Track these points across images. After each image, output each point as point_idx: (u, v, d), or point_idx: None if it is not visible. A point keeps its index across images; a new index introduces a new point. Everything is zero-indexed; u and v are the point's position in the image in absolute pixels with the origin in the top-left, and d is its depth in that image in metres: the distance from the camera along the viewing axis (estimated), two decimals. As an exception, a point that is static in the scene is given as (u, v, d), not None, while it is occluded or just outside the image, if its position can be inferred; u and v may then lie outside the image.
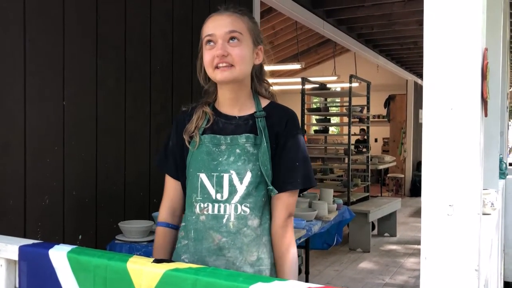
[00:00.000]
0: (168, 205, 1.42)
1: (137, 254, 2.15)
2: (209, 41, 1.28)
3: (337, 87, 10.21)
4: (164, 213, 1.42)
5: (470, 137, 0.75)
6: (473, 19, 0.73)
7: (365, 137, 7.51)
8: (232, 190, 1.27)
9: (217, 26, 1.28)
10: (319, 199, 3.55)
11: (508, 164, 4.55)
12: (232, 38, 1.27)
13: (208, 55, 1.28)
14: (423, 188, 0.78)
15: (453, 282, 0.74)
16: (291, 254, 1.31)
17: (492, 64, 2.29)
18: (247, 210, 1.27)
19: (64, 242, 1.99)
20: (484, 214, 2.07)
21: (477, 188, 0.75)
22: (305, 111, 6.50)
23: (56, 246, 1.21)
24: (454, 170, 0.76)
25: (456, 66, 0.75)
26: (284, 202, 1.31)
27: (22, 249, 1.21)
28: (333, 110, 8.43)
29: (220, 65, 1.26)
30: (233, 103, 1.35)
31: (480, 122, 0.75)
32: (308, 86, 6.66)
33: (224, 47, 1.26)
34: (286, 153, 1.31)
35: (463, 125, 0.75)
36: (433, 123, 0.77)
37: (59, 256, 1.17)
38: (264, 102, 1.37)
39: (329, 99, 7.66)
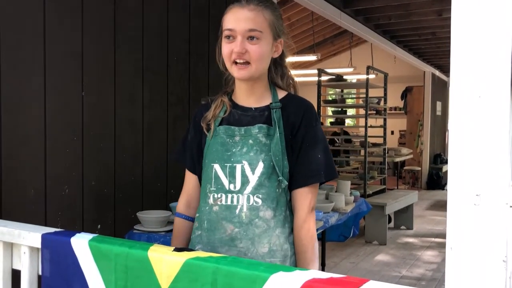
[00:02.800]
0: (184, 197, 1.46)
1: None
2: (228, 35, 1.28)
3: (353, 78, 10.12)
4: (180, 204, 1.46)
5: (499, 125, 0.73)
6: (503, 3, 0.71)
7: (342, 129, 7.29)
8: (245, 181, 1.27)
9: (238, 21, 1.26)
10: (336, 191, 3.53)
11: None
12: (251, 36, 1.26)
13: (227, 49, 1.28)
14: (449, 178, 0.77)
15: (480, 272, 0.73)
16: (314, 248, 1.31)
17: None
18: (259, 201, 1.27)
19: (83, 231, 2.01)
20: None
21: (506, 178, 0.74)
22: (321, 102, 6.46)
23: (77, 234, 1.22)
24: (482, 159, 0.74)
25: (484, 52, 0.74)
26: (307, 196, 1.31)
27: (44, 237, 1.23)
28: (349, 102, 8.37)
29: (238, 61, 1.26)
30: (249, 95, 1.36)
31: (509, 111, 0.73)
32: (324, 78, 6.61)
33: (243, 45, 1.25)
34: (306, 145, 1.30)
35: (492, 113, 0.74)
36: (460, 111, 0.75)
37: (81, 244, 1.18)
38: (281, 94, 1.37)
39: (345, 91, 7.59)
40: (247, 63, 1.27)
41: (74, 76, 2.20)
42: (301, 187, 1.30)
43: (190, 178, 1.44)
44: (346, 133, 7.72)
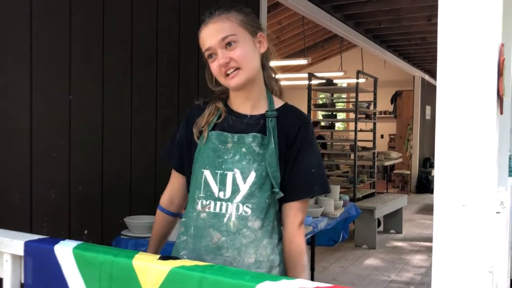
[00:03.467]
0: (169, 192, 1.48)
1: (142, 250, 2.14)
2: (209, 54, 1.28)
3: (343, 83, 10.15)
4: (164, 199, 1.48)
5: (486, 135, 0.73)
6: (491, 12, 0.71)
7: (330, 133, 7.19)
8: (235, 189, 1.25)
9: (210, 37, 1.26)
10: (325, 196, 3.53)
11: (516, 162, 4.50)
12: (228, 43, 1.25)
13: (214, 66, 1.27)
14: (436, 187, 0.76)
15: (466, 284, 0.73)
16: (303, 262, 1.30)
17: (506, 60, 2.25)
18: (249, 210, 1.25)
19: (70, 237, 1.99)
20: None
21: (492, 188, 0.73)
22: (312, 106, 6.48)
23: (61, 242, 1.20)
24: (469, 169, 0.74)
25: (471, 61, 0.73)
26: (298, 210, 1.29)
27: (27, 245, 1.21)
28: (340, 106, 8.39)
29: (228, 72, 1.25)
30: (245, 101, 1.34)
31: (496, 120, 0.73)
32: (314, 82, 6.62)
33: (225, 55, 1.24)
34: (301, 159, 1.28)
35: (479, 123, 0.73)
36: (447, 120, 0.75)
37: (65, 251, 1.16)
38: (278, 103, 1.35)
39: (335, 95, 7.62)
40: (238, 69, 1.25)
41: (61, 79, 2.17)
42: (293, 201, 1.29)
43: (176, 177, 1.44)
44: (321, 137, 7.75)
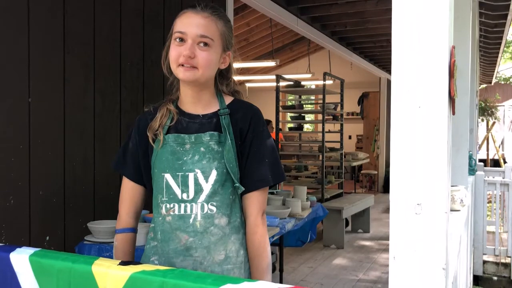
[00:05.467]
0: (132, 209, 1.38)
1: (106, 255, 2.10)
2: (179, 38, 1.26)
3: (311, 84, 10.26)
4: (128, 218, 1.38)
5: (438, 135, 0.75)
6: (440, 17, 0.73)
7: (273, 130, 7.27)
8: (198, 189, 1.26)
9: (190, 25, 1.25)
10: (293, 197, 3.55)
11: (477, 161, 4.66)
12: (202, 42, 1.25)
13: (175, 52, 1.26)
14: (392, 187, 0.77)
15: (421, 281, 0.74)
16: (266, 252, 1.31)
17: (461, 62, 2.34)
18: (214, 208, 1.26)
19: (31, 244, 1.93)
20: (453, 210, 2.10)
21: (445, 186, 0.75)
22: (280, 108, 6.51)
23: (17, 249, 1.16)
24: (422, 168, 0.75)
25: (423, 64, 0.75)
26: (257, 200, 1.31)
27: (-19, 253, 1.16)
28: (308, 107, 8.47)
29: (185, 64, 1.25)
30: (196, 102, 1.34)
31: (447, 120, 0.75)
32: (282, 84, 6.66)
33: (193, 49, 1.24)
34: (254, 150, 1.30)
35: (431, 123, 0.75)
36: (401, 121, 0.76)
37: (21, 259, 1.12)
38: (228, 99, 1.37)
39: (303, 97, 7.68)
40: (194, 67, 1.25)
41: (20, 81, 2.11)
42: (250, 191, 1.30)
43: (134, 190, 1.38)
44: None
